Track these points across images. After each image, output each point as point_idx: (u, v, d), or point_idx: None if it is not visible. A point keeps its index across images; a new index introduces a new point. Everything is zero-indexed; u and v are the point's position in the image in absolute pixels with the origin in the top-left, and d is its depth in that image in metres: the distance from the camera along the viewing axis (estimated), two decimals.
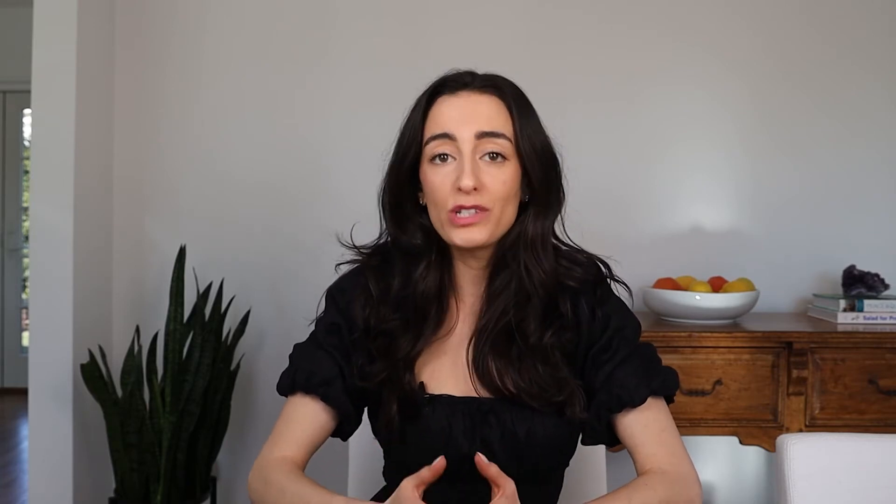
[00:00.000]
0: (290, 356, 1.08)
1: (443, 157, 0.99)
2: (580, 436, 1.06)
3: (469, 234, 0.98)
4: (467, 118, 0.98)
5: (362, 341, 1.05)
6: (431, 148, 0.99)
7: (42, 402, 2.22)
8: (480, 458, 0.90)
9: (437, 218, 1.00)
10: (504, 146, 0.99)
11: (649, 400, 1.00)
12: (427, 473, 0.87)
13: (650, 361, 1.04)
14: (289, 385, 1.04)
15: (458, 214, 0.97)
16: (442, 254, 1.06)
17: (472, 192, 0.96)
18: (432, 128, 1.00)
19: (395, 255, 1.06)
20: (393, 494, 0.87)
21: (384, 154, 1.06)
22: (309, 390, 1.02)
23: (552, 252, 1.04)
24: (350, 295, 1.07)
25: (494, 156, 0.98)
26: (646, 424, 0.99)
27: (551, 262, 1.03)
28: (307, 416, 1.03)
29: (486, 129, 0.98)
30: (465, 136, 0.98)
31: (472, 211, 0.97)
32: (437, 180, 0.98)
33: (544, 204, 1.03)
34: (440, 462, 0.87)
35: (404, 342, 1.03)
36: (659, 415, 1.00)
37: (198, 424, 2.18)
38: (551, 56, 2.40)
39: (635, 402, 0.99)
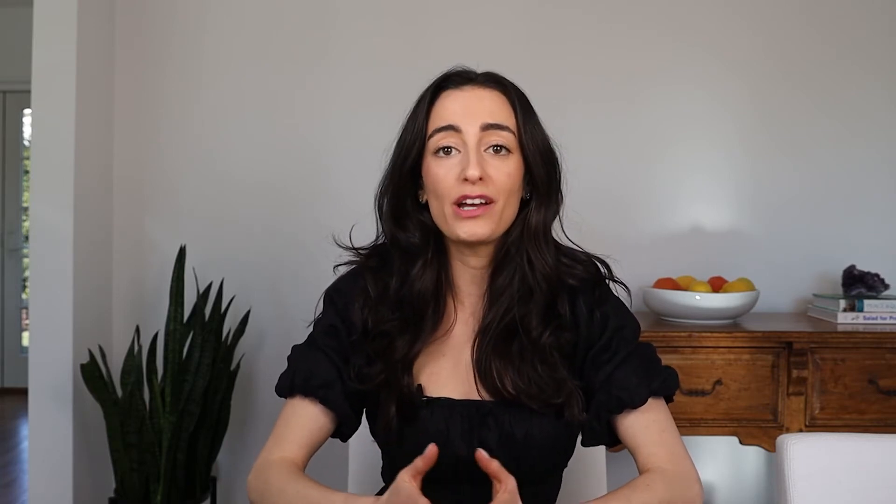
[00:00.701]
0: (289, 358, 1.08)
1: (447, 150, 0.99)
2: (579, 437, 1.06)
3: (472, 228, 0.98)
4: (472, 111, 0.99)
5: (360, 343, 1.05)
6: (436, 140, 1.00)
7: (42, 402, 2.22)
8: (482, 454, 0.90)
9: (441, 212, 1.00)
10: (508, 139, 1.00)
11: (650, 400, 1.00)
12: (421, 463, 0.87)
13: (650, 362, 1.04)
14: (287, 387, 1.04)
15: (462, 207, 0.97)
16: (439, 252, 1.06)
17: (478, 183, 0.97)
18: (437, 121, 1.00)
19: (393, 255, 1.06)
20: (390, 487, 0.87)
21: (384, 153, 1.06)
22: (307, 393, 1.02)
23: (553, 248, 1.04)
24: (348, 296, 1.07)
25: (498, 148, 0.99)
26: (646, 425, 0.99)
27: (553, 256, 1.03)
28: (306, 418, 1.03)
29: (491, 121, 0.99)
30: (470, 129, 0.98)
31: (478, 201, 0.97)
32: (442, 172, 0.99)
33: (545, 198, 1.03)
34: (432, 449, 0.86)
35: (402, 343, 1.02)
36: (659, 415, 1.01)
37: (198, 424, 2.18)
38: (551, 56, 2.40)
39: (636, 403, 0.99)
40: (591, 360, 1.03)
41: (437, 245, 1.05)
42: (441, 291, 1.05)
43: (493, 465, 0.88)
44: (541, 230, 1.03)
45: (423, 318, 1.04)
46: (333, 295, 1.08)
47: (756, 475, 2.44)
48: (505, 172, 0.98)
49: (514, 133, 1.00)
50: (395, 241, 1.06)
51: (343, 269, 1.10)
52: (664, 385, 1.02)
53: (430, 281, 1.04)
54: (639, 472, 0.99)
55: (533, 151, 1.01)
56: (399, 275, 1.05)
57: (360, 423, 1.08)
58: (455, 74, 1.03)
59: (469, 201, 0.97)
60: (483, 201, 0.97)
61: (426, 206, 1.04)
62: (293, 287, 2.43)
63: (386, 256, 1.08)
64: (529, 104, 1.04)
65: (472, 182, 0.96)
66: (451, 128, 0.99)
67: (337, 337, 1.06)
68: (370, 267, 1.07)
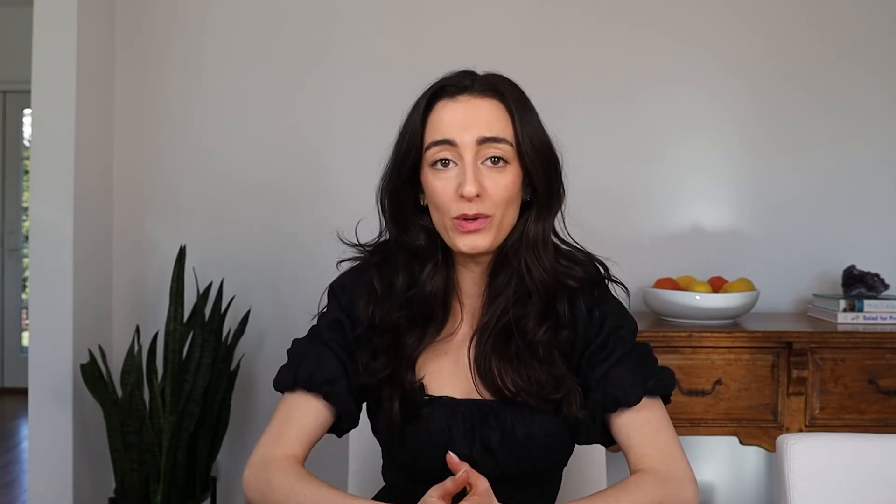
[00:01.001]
0: (289, 352, 1.07)
1: (444, 163, 0.98)
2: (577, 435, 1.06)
3: (473, 241, 0.98)
4: (468, 124, 0.98)
5: (366, 337, 1.05)
6: (432, 154, 0.99)
7: (42, 402, 2.22)
8: (452, 458, 0.91)
9: (441, 223, 1.00)
10: (505, 150, 0.98)
11: (645, 400, 1.00)
12: (451, 485, 0.88)
13: (646, 361, 1.03)
14: (289, 382, 1.03)
15: (462, 221, 0.97)
16: (446, 255, 1.05)
17: (475, 199, 0.96)
18: (433, 133, 0.99)
19: (396, 254, 1.06)
20: (420, 502, 0.88)
21: (384, 154, 1.06)
22: (311, 388, 1.01)
23: (552, 251, 1.04)
24: (352, 292, 1.06)
25: (496, 160, 0.98)
26: (641, 425, 0.99)
27: (551, 261, 1.03)
28: (309, 413, 1.02)
29: (488, 134, 0.97)
30: (467, 142, 0.97)
31: (476, 219, 0.97)
32: (440, 185, 0.98)
33: (546, 204, 1.03)
34: (463, 475, 0.88)
35: (410, 339, 1.03)
36: (655, 415, 1.00)
37: (198, 424, 2.18)
38: (551, 56, 2.40)
39: (630, 402, 0.99)
40: (588, 358, 1.03)
41: (443, 247, 1.05)
42: (449, 293, 1.06)
43: (462, 468, 0.89)
44: (539, 239, 1.02)
45: (432, 319, 1.04)
46: (337, 290, 1.08)
47: (756, 475, 2.44)
48: (502, 185, 0.98)
49: (511, 144, 0.99)
50: (400, 243, 1.05)
51: (346, 265, 1.10)
52: (660, 385, 1.02)
53: (440, 283, 1.04)
54: (630, 472, 0.98)
55: (533, 159, 0.99)
56: (405, 274, 1.05)
57: (359, 420, 1.08)
58: (450, 83, 1.01)
59: (467, 224, 0.97)
60: (480, 217, 0.97)
61: (427, 209, 1.04)
62: (293, 287, 2.43)
63: (389, 253, 1.08)
64: (528, 106, 1.02)
65: (469, 199, 0.96)
66: (446, 142, 0.98)
67: (342, 331, 1.05)
68: (374, 263, 1.07)
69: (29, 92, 2.23)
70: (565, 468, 1.11)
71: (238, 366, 2.35)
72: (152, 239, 2.47)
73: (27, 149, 4.93)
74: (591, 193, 2.18)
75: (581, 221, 1.10)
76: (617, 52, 2.40)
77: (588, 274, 1.05)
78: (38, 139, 2.23)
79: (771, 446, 1.91)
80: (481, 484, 0.89)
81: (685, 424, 1.93)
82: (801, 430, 1.93)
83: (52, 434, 2.22)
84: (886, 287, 2.17)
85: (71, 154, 2.20)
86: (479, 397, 1.02)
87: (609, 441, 1.04)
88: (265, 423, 1.04)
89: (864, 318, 2.09)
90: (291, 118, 2.44)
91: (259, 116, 2.45)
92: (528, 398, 0.99)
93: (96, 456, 2.32)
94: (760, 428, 1.95)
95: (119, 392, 2.17)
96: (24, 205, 5.00)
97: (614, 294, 1.08)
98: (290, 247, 2.44)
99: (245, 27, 2.45)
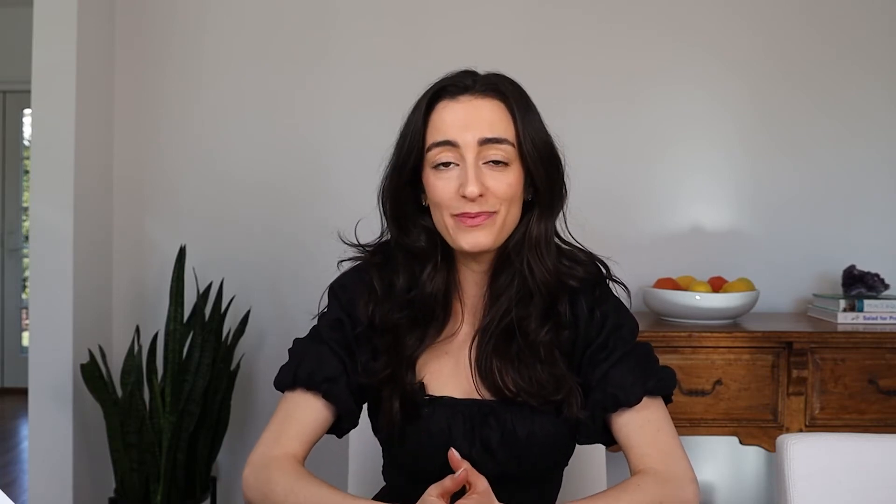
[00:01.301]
0: (290, 351, 1.07)
1: (446, 164, 0.98)
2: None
3: (475, 239, 0.98)
4: (469, 125, 0.97)
5: (366, 337, 1.05)
6: (434, 155, 0.99)
7: (42, 402, 2.22)
8: (454, 455, 0.92)
9: (442, 222, 1.00)
10: (507, 151, 0.98)
11: (645, 399, 1.00)
12: (450, 483, 0.88)
13: (647, 361, 1.03)
14: (290, 381, 1.03)
15: (463, 217, 0.97)
16: (446, 255, 1.05)
17: (478, 199, 0.96)
18: (434, 134, 0.99)
19: (398, 254, 1.06)
20: (418, 502, 0.88)
21: (384, 155, 1.05)
22: (311, 386, 1.01)
23: (555, 251, 1.04)
24: (352, 292, 1.07)
25: (498, 161, 0.98)
26: (641, 425, 0.99)
27: (554, 261, 1.03)
28: (309, 412, 1.02)
29: (489, 135, 0.97)
30: (468, 143, 0.97)
31: (479, 218, 0.97)
32: (441, 185, 0.98)
33: (548, 204, 1.03)
34: (462, 474, 0.88)
35: (411, 340, 1.03)
36: (655, 415, 1.00)
37: (198, 424, 2.18)
38: (551, 56, 2.40)
39: (630, 402, 0.99)
40: (589, 358, 1.03)
41: (443, 248, 1.05)
42: (449, 294, 1.06)
43: (462, 466, 0.89)
44: (542, 240, 1.02)
45: (433, 319, 1.04)
46: (338, 290, 1.08)
47: (756, 475, 2.44)
48: (505, 183, 0.98)
49: (513, 145, 0.98)
50: (400, 244, 1.05)
51: (347, 265, 1.10)
52: (660, 384, 1.02)
53: (441, 283, 1.04)
54: (630, 472, 0.98)
55: (534, 159, 0.99)
56: (406, 275, 1.05)
57: (359, 420, 1.08)
58: (451, 83, 1.01)
59: (469, 220, 0.97)
60: (484, 215, 0.97)
61: (428, 210, 1.04)
62: (293, 287, 2.43)
63: (390, 253, 1.08)
64: (530, 105, 1.02)
65: (472, 199, 0.96)
66: (448, 143, 0.98)
67: (342, 330, 1.05)
68: (375, 263, 1.07)
69: (29, 92, 2.23)
70: (565, 468, 1.12)
71: (238, 366, 2.35)
72: (152, 239, 2.47)
73: (27, 149, 4.93)
74: (591, 193, 2.17)
75: (581, 221, 1.10)
76: (617, 52, 2.40)
77: (589, 273, 1.05)
78: (38, 139, 2.23)
79: (771, 446, 1.91)
80: (481, 483, 0.89)
81: (685, 424, 1.93)
82: (801, 430, 1.93)
83: (52, 434, 2.22)
84: (886, 287, 2.17)
85: (71, 154, 2.20)
86: (479, 397, 1.02)
87: (610, 441, 1.04)
88: (265, 422, 1.04)
89: (864, 318, 2.09)
90: (291, 118, 2.44)
91: (259, 116, 2.45)
92: (528, 398, 0.99)
93: (96, 456, 2.32)
94: (760, 428, 1.95)
95: (119, 392, 2.17)
96: (24, 205, 5.00)
97: (615, 294, 1.08)
98: (290, 247, 2.44)
99: (245, 27, 2.45)
